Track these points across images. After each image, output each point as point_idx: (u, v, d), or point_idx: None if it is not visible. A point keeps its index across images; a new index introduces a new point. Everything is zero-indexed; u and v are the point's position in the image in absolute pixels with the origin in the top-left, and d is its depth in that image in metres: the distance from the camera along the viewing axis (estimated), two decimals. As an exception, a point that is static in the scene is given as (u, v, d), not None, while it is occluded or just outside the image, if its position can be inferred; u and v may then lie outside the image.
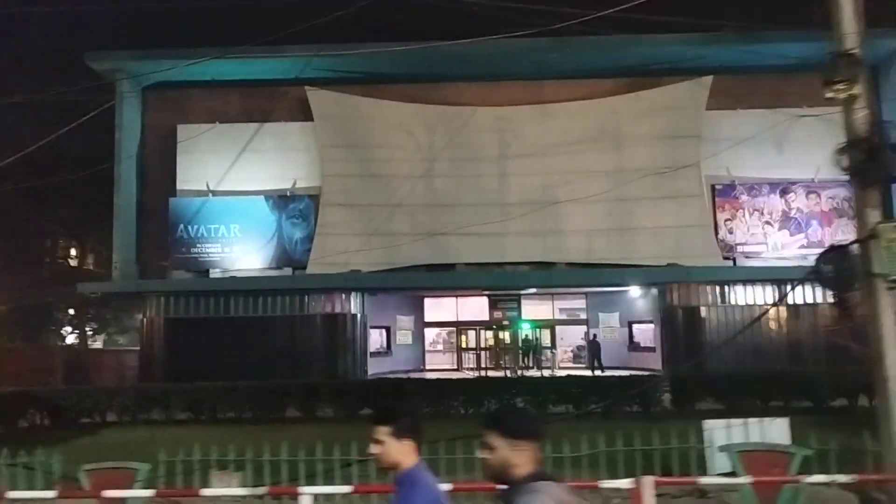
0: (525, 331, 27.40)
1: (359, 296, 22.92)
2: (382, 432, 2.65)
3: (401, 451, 2.65)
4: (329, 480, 7.06)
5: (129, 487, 5.22)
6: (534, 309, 28.23)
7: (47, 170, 33.60)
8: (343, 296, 22.56)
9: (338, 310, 22.53)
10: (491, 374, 24.11)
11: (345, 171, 22.94)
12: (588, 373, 22.88)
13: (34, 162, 34.02)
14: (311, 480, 7.11)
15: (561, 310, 28.52)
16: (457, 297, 27.78)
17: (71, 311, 38.01)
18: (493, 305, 27.97)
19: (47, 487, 6.25)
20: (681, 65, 22.99)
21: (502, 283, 24.05)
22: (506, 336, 27.84)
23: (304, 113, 23.77)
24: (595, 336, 25.69)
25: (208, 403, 14.26)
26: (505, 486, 2.32)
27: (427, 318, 28.09)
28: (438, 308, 27.97)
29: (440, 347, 28.43)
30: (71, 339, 41.55)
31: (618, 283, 23.37)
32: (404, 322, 27.21)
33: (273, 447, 7.42)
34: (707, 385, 14.45)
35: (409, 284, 23.72)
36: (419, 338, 28.00)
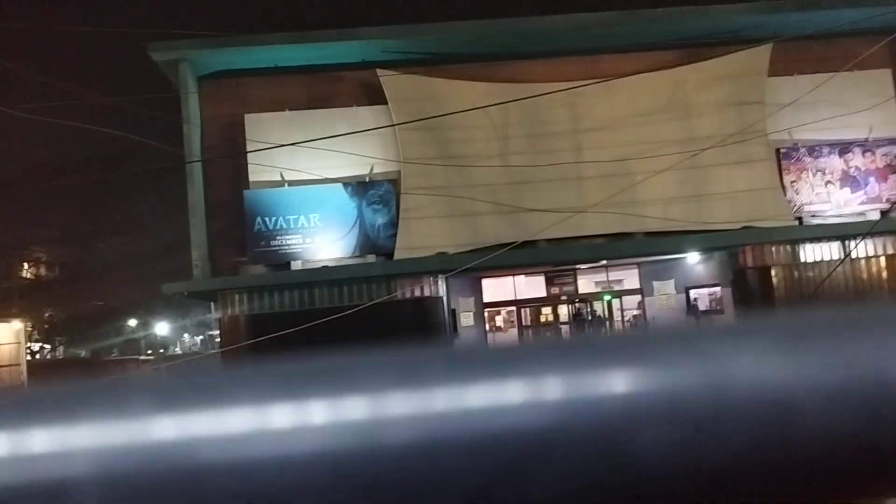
0: (600, 302, 27.75)
1: (443, 279, 22.80)
2: None
3: None
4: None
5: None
6: (588, 283, 28.65)
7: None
8: (431, 279, 22.40)
9: (427, 293, 22.38)
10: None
11: (423, 153, 22.72)
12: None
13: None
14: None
15: (611, 281, 29.00)
16: (514, 275, 27.89)
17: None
18: (549, 282, 28.22)
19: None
20: (740, 34, 23.72)
21: (586, 255, 24.35)
22: (563, 310, 28.16)
23: (368, 97, 23.41)
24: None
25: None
26: None
27: (486, 299, 28.11)
28: (496, 288, 28.01)
29: (500, 326, 28.54)
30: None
31: (696, 249, 23.99)
32: (467, 304, 27.17)
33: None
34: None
35: (497, 264, 23.68)
36: (480, 318, 28.01)
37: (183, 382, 0.50)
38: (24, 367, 27.44)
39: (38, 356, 39.42)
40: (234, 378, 0.49)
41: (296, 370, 0.50)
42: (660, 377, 0.47)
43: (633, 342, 0.52)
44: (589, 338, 0.54)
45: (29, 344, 40.19)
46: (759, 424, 0.46)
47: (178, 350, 64.82)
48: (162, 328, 49.19)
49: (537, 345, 0.53)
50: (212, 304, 35.55)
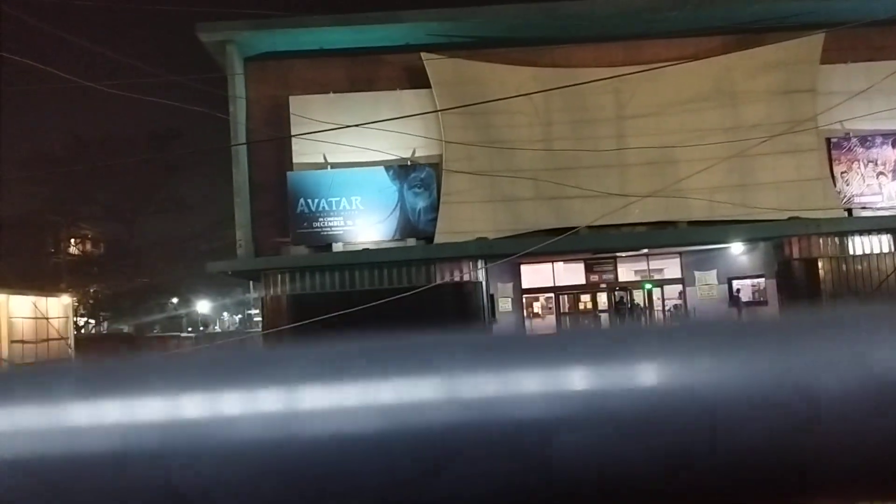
0: (640, 291, 27.50)
1: (482, 264, 22.78)
2: None
3: None
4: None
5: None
6: (627, 271, 28.39)
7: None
8: (471, 264, 22.40)
9: (466, 278, 22.39)
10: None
11: (465, 137, 22.66)
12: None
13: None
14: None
15: (652, 270, 28.67)
16: (553, 262, 27.74)
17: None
18: (588, 269, 28.03)
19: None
20: (790, 20, 23.15)
21: (627, 244, 24.14)
22: (602, 298, 27.98)
23: (411, 80, 23.41)
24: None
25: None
26: None
27: (524, 285, 28.03)
28: (535, 274, 27.91)
29: (538, 312, 28.46)
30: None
31: (741, 239, 23.60)
32: (505, 289, 27.13)
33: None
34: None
35: (538, 251, 23.61)
36: (518, 304, 27.97)
37: (101, 369, 0.50)
38: (71, 341, 28.19)
39: (82, 331, 40.34)
40: (152, 367, 0.49)
41: (213, 361, 0.48)
42: (583, 378, 0.44)
43: (556, 341, 0.50)
44: (509, 335, 0.52)
45: (75, 318, 41.18)
46: (683, 431, 0.45)
47: (217, 328, 65.77)
48: (203, 306, 50.03)
49: (457, 338, 0.51)
50: (251, 283, 35.99)
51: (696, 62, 23.45)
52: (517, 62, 23.34)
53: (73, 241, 40.97)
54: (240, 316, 75.53)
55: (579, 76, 23.30)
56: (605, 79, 18.25)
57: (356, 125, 16.86)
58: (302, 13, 21.94)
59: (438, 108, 22.66)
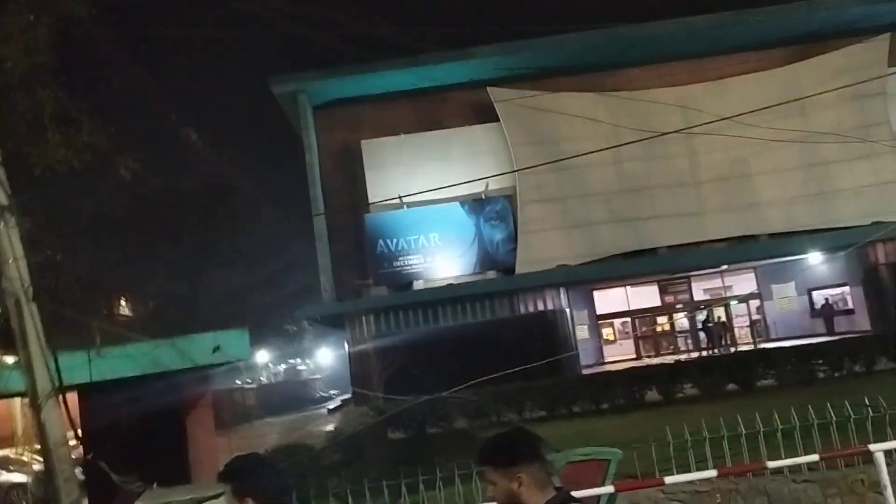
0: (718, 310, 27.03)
1: (565, 291, 22.67)
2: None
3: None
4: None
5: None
6: (702, 290, 28.08)
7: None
8: (554, 293, 22.30)
9: (549, 307, 22.26)
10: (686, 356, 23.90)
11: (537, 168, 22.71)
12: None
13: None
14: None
15: (726, 287, 28.31)
16: (625, 286, 27.55)
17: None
18: (663, 290, 27.80)
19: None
20: (854, 26, 23.11)
21: (706, 261, 23.89)
22: (678, 319, 27.61)
23: (478, 115, 23.63)
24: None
25: (564, 398, 14.04)
26: None
27: (599, 311, 27.86)
28: (608, 299, 27.74)
29: (615, 337, 28.19)
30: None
31: (823, 248, 23.24)
32: (580, 316, 26.94)
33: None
34: None
35: (621, 273, 23.52)
36: (595, 330, 27.76)
37: None
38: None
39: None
40: None
41: None
42: None
43: None
44: None
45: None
46: None
47: (263, 379, 65.74)
48: (262, 356, 50.22)
49: None
50: (292, 327, 35.70)
51: (762, 73, 23.49)
52: (581, 88, 23.52)
53: (132, 300, 41.48)
54: (284, 366, 75.63)
55: (644, 97, 23.46)
56: (693, 125, 18.22)
57: (437, 187, 16.92)
58: (365, 60, 22.06)
59: (509, 141, 22.85)
